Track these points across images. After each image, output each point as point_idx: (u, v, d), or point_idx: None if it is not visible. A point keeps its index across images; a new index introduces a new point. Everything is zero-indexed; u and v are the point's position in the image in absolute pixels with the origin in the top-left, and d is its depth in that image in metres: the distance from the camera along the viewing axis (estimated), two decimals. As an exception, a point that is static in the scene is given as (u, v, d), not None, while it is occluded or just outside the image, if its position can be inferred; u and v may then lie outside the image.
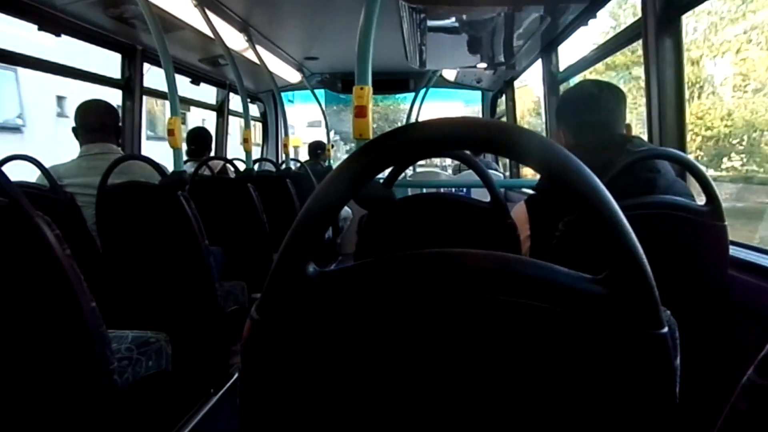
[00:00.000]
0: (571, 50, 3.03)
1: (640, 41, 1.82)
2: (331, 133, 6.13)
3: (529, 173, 3.97)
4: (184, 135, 3.29)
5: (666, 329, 0.44)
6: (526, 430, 0.46)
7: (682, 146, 1.69)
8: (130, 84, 3.00)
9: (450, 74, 4.86)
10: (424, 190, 2.80)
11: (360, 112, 1.26)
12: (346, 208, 5.24)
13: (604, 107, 1.40)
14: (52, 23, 2.38)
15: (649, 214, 1.19)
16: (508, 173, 4.70)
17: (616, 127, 1.40)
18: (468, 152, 1.73)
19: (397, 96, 5.42)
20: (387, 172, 1.38)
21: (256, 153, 4.62)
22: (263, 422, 0.50)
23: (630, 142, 1.33)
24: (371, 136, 1.31)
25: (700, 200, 1.30)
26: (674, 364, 0.45)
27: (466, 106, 7.00)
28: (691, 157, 1.29)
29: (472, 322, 0.45)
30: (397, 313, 0.46)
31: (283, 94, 4.64)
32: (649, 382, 0.44)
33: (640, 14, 1.80)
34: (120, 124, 2.35)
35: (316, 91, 5.21)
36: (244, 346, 0.49)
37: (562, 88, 3.08)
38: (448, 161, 7.74)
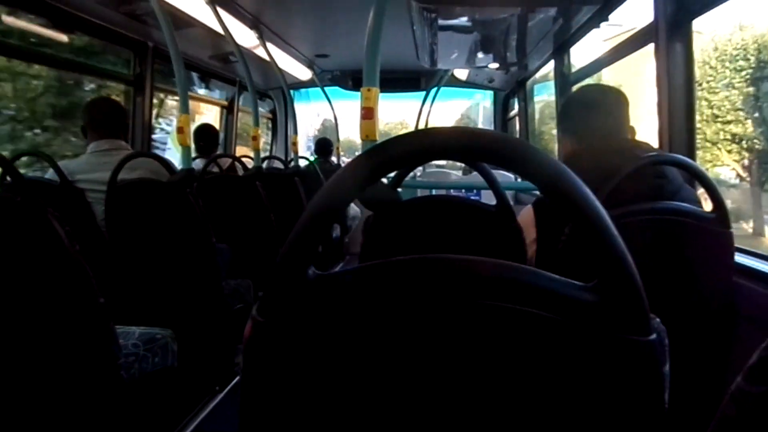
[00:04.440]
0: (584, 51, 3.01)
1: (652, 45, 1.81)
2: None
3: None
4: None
5: (654, 336, 0.45)
6: None
7: (691, 151, 1.68)
8: (140, 81, 3.02)
9: (462, 73, 4.84)
10: (434, 191, 2.80)
11: (367, 114, 1.26)
12: (354, 207, 5.23)
13: (609, 112, 1.39)
14: (65, 20, 2.40)
15: (656, 220, 1.19)
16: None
17: (622, 132, 1.38)
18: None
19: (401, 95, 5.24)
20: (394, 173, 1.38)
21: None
22: (263, 421, 0.51)
23: (638, 147, 1.32)
24: (378, 139, 1.31)
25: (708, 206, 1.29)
26: (663, 370, 0.46)
27: (476, 104, 6.94)
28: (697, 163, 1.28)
29: (466, 326, 0.46)
30: (393, 316, 0.47)
31: (299, 91, 4.56)
32: (637, 387, 0.45)
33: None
34: (127, 121, 2.35)
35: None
36: (246, 346, 0.50)
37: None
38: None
